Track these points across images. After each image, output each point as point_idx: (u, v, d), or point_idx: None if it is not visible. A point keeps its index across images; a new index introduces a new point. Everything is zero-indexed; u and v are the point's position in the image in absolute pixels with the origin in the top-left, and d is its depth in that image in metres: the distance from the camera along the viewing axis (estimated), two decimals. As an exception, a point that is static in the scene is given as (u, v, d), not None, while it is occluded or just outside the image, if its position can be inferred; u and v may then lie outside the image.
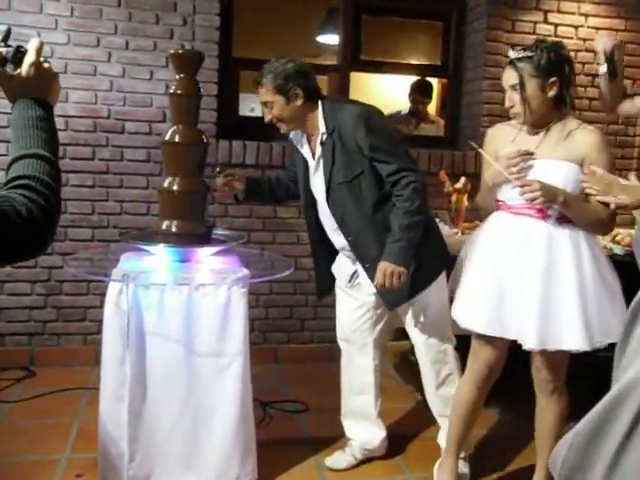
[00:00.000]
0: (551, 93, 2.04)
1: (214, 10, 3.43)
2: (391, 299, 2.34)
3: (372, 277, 2.26)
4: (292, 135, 2.39)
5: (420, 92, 4.34)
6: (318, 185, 2.34)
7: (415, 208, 2.17)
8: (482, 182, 2.26)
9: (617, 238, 3.18)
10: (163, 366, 2.16)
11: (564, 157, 2.05)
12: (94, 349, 3.25)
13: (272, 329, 3.69)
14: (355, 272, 2.43)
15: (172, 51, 2.35)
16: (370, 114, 2.23)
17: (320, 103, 2.26)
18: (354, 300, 2.49)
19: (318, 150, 2.29)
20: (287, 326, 3.71)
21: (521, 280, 2.06)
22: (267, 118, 2.26)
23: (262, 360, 3.38)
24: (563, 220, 2.07)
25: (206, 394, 2.20)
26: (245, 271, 2.25)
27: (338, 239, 2.37)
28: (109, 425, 2.19)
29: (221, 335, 2.18)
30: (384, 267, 2.17)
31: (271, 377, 3.47)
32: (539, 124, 2.10)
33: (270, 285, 3.56)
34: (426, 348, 2.45)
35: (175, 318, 2.15)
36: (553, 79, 2.02)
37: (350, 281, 2.47)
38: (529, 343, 2.03)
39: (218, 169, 2.47)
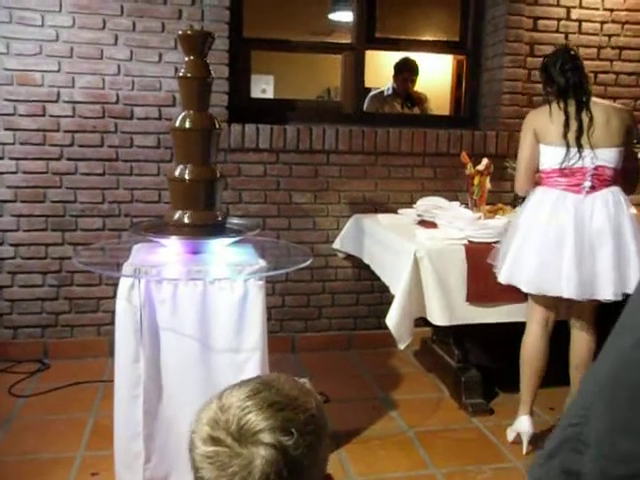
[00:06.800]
0: None
1: (223, -12, 3.29)
2: None
3: None
4: None
5: (409, 70, 4.20)
6: None
7: None
8: None
9: None
10: (178, 363, 2.08)
11: None
12: (108, 340, 3.19)
13: (289, 317, 3.60)
14: None
15: (180, 32, 2.22)
16: None
17: None
18: None
19: None
20: (304, 314, 3.62)
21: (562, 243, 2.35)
22: None
23: (279, 349, 3.30)
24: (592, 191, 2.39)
25: (223, 391, 2.12)
26: (262, 262, 2.15)
27: None
28: (124, 424, 2.11)
29: (238, 330, 2.09)
30: None
31: (288, 367, 3.38)
32: None
33: (286, 273, 3.47)
34: None
35: (190, 313, 2.06)
36: None
37: None
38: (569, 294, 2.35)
39: None
